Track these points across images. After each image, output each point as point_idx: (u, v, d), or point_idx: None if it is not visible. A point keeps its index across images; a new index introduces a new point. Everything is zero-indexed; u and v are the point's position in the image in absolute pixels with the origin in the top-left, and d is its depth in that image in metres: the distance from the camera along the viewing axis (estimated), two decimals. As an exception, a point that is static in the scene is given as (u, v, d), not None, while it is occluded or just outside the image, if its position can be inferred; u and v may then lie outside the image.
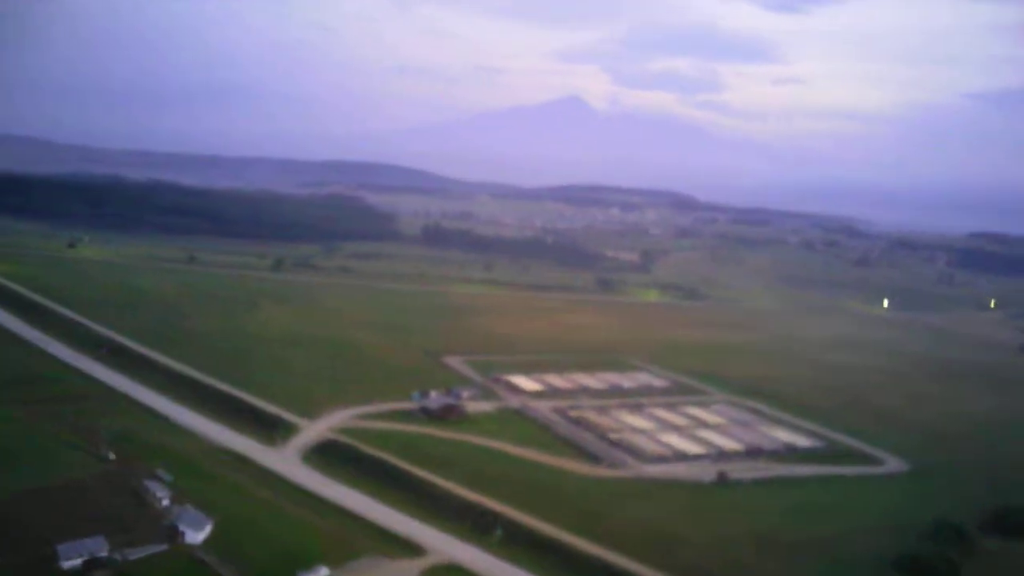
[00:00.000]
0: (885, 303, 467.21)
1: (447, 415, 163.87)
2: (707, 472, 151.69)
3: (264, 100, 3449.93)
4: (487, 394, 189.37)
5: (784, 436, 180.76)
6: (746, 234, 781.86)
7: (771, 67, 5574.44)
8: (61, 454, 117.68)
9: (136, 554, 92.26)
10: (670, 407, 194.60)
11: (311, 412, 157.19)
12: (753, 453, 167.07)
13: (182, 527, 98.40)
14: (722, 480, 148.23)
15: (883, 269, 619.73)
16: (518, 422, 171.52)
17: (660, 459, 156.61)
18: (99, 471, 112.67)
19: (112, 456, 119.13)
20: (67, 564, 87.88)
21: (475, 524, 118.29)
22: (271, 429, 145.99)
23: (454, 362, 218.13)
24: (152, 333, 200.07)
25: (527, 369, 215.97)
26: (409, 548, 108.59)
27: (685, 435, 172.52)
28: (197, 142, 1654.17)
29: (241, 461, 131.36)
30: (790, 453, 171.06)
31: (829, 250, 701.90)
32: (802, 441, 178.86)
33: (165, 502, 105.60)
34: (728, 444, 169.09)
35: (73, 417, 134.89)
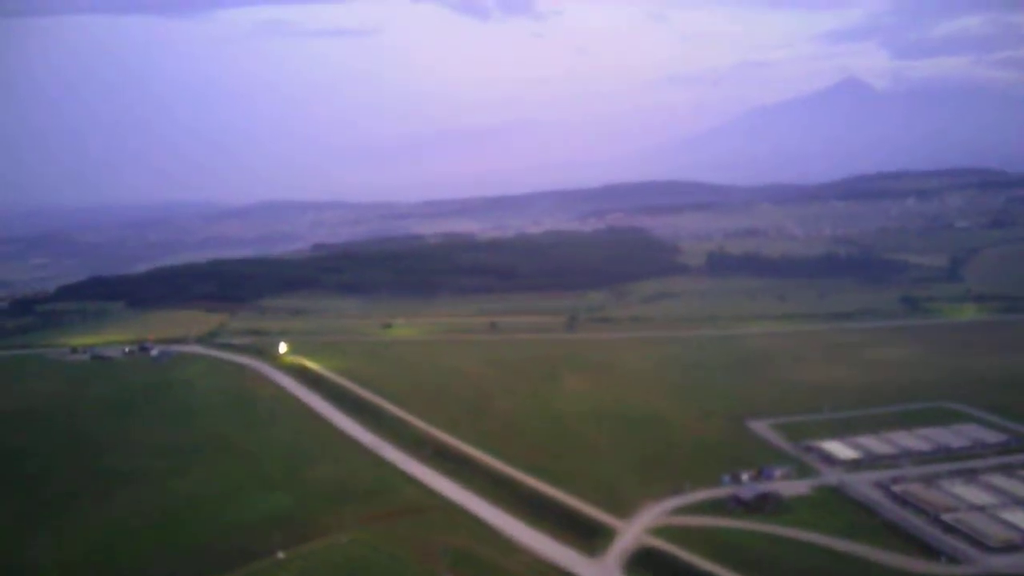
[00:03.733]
0: None
1: (762, 506, 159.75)
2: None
3: (541, 133, 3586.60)
4: (800, 469, 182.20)
5: None
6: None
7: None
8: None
9: None
10: (1010, 472, 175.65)
11: (623, 508, 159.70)
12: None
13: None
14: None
15: None
16: (838, 505, 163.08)
17: (1009, 547, 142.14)
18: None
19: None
20: None
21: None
22: (589, 534, 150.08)
23: (759, 427, 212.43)
24: (465, 423, 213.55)
25: (838, 430, 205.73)
26: None
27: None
28: (484, 184, 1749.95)
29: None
30: None
31: None
32: None
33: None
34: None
35: (412, 534, 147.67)
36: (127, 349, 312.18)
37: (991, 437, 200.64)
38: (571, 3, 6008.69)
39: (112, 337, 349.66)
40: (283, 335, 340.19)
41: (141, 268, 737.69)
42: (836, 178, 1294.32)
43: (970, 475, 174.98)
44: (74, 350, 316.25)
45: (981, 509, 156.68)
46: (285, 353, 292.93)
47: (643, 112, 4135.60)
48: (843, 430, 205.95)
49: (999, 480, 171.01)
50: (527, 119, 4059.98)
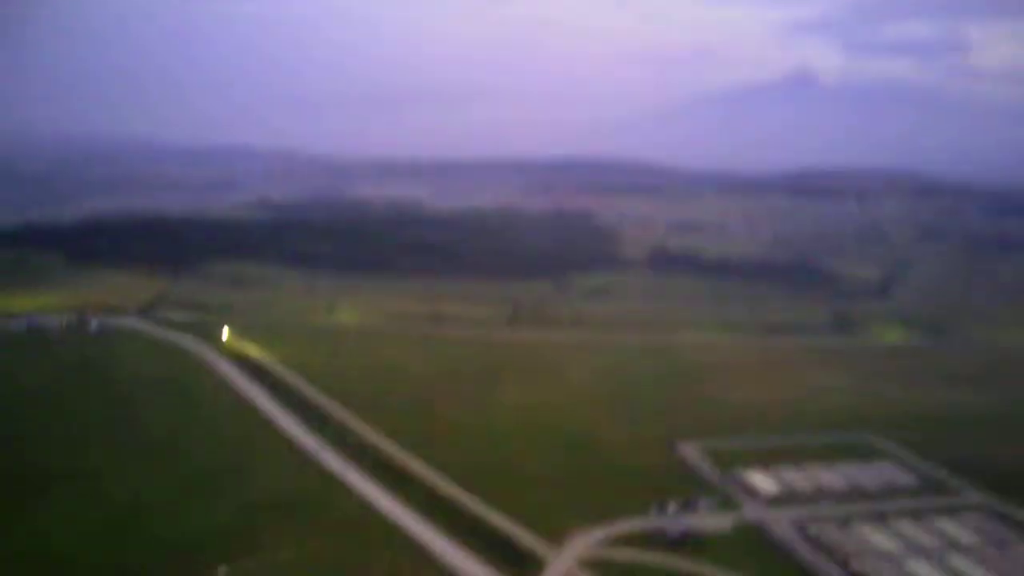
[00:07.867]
0: None
1: (684, 544, 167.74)
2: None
3: (494, 96, 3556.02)
4: (723, 502, 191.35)
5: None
6: (1001, 230, 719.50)
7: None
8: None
9: None
10: (917, 518, 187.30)
11: (555, 535, 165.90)
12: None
13: None
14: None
15: None
16: (757, 545, 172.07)
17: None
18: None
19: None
20: None
21: None
22: (519, 562, 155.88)
23: (689, 452, 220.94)
24: (406, 431, 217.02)
25: (764, 459, 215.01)
26: None
27: (935, 562, 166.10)
28: (435, 146, 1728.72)
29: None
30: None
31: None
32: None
33: None
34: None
35: (349, 552, 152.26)
36: (64, 320, 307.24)
37: (904, 478, 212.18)
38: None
39: (49, 300, 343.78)
40: (225, 311, 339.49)
41: (76, 210, 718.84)
42: (783, 168, 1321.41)
43: (880, 518, 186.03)
44: (10, 316, 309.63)
45: (887, 557, 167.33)
46: (228, 338, 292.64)
47: (597, 86, 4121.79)
48: (768, 459, 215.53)
49: (907, 526, 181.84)
50: (482, 81, 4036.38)
